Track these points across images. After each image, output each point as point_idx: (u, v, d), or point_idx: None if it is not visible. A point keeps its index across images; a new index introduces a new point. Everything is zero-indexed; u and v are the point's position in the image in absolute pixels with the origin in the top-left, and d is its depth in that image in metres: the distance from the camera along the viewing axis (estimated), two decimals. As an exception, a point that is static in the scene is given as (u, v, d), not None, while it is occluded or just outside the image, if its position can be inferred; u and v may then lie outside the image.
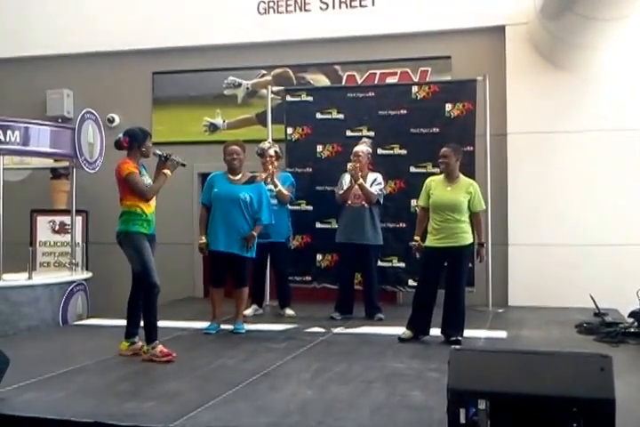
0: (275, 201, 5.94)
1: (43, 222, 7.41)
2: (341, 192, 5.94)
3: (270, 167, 6.01)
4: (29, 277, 6.16)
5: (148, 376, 3.98)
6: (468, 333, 4.97)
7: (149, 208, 4.50)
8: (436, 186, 4.96)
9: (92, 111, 6.96)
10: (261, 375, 3.96)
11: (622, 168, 6.64)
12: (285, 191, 6.08)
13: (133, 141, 4.47)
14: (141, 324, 4.49)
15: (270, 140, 6.65)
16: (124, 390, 3.64)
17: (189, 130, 7.83)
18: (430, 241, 4.92)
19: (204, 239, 5.30)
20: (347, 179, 5.99)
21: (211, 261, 5.43)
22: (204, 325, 5.42)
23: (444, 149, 4.98)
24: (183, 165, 4.66)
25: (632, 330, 4.99)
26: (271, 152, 6.11)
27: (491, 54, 7.09)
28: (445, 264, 4.91)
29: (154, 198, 4.53)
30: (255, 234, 5.30)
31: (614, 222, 6.49)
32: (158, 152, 4.57)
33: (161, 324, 5.67)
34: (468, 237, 4.90)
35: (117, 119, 8.03)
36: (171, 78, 7.94)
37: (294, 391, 3.61)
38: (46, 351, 4.78)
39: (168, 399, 3.46)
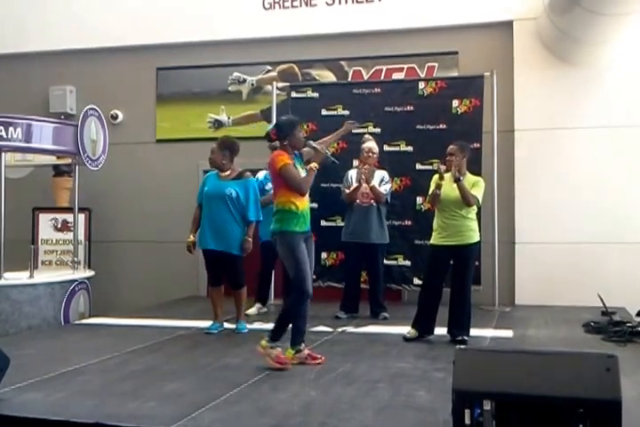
0: None
1: (45, 220, 7.36)
2: (348, 191, 5.87)
3: None
4: (31, 276, 6.12)
5: (149, 376, 3.91)
6: (474, 332, 4.91)
7: (304, 204, 4.17)
8: (444, 184, 4.84)
9: (96, 108, 6.91)
10: (264, 376, 3.90)
11: (631, 165, 6.56)
12: None
13: (280, 132, 4.20)
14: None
15: None
16: (126, 391, 3.58)
17: (194, 126, 7.78)
18: (436, 239, 4.84)
19: (191, 238, 5.26)
20: (352, 175, 5.92)
21: (204, 260, 5.37)
22: (206, 324, 5.36)
23: (450, 146, 4.90)
24: (334, 162, 4.36)
25: (640, 329, 4.93)
26: None
27: (498, 50, 7.02)
28: (451, 262, 4.83)
29: (307, 194, 4.22)
30: (249, 238, 5.20)
31: (622, 220, 6.41)
32: (313, 144, 4.31)
33: (164, 323, 5.72)
34: (474, 236, 4.81)
35: (121, 116, 7.99)
36: (175, 74, 7.89)
37: (297, 392, 3.55)
38: (47, 351, 4.73)
39: (170, 400, 3.40)
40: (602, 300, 5.36)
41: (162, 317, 6.00)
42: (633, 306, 5.38)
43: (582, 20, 5.76)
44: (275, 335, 4.12)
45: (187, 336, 5.16)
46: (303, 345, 4.22)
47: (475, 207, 4.83)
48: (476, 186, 4.82)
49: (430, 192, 4.85)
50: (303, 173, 4.17)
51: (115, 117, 7.94)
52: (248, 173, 5.33)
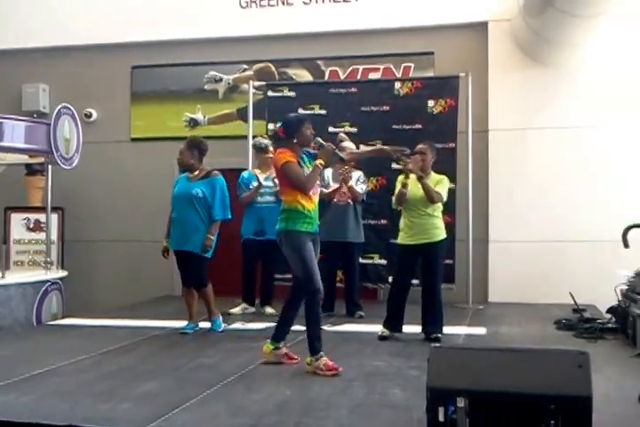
0: (272, 198, 5.91)
1: (17, 220, 7.25)
2: (328, 191, 5.88)
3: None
4: (2, 276, 6.01)
5: (123, 377, 3.87)
6: (448, 329, 4.95)
7: (311, 204, 4.03)
8: (410, 182, 4.88)
9: (69, 106, 6.82)
10: (239, 375, 3.88)
11: (602, 165, 6.66)
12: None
13: (288, 130, 4.08)
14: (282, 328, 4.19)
15: (265, 136, 6.57)
16: (100, 392, 3.54)
17: (169, 125, 7.73)
18: (403, 238, 4.89)
19: (165, 242, 5.24)
20: (328, 175, 5.93)
21: (176, 260, 5.34)
22: (181, 324, 5.33)
23: (420, 145, 4.93)
24: (341, 159, 4.23)
25: (610, 326, 5.03)
26: (272, 148, 6.06)
27: (473, 51, 7.09)
28: (420, 261, 4.88)
29: (316, 196, 4.09)
30: (211, 236, 5.13)
31: (593, 219, 6.50)
32: (320, 141, 4.12)
33: (138, 323, 5.67)
34: (440, 233, 4.87)
35: (95, 114, 7.91)
36: (150, 73, 7.83)
37: (272, 391, 3.54)
38: (19, 352, 4.66)
39: (144, 401, 3.37)
40: (573, 297, 5.44)
41: (136, 317, 5.95)
42: (603, 303, 5.47)
43: (555, 21, 5.85)
44: (316, 348, 3.95)
45: (161, 337, 5.12)
46: (282, 343, 4.19)
47: (440, 205, 4.88)
48: (440, 183, 4.88)
49: (397, 192, 4.90)
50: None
51: (88, 116, 7.85)
52: (216, 172, 5.27)
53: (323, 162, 4.02)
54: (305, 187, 3.97)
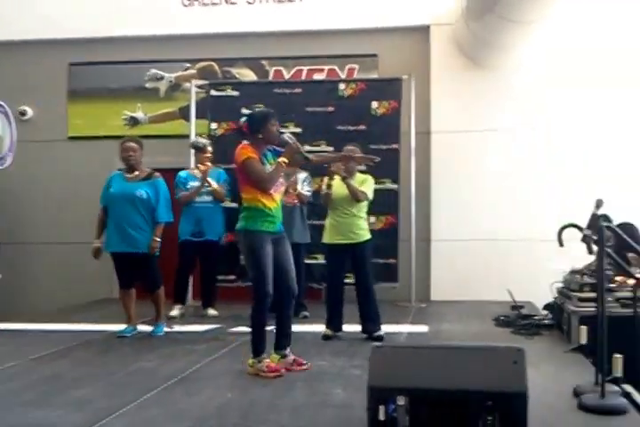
0: (210, 198, 5.86)
1: (-55, 221, 6.95)
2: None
3: (209, 164, 5.92)
4: None
5: (56, 384, 3.73)
6: (390, 328, 4.99)
7: (273, 202, 3.88)
8: (336, 183, 4.90)
9: (2, 103, 6.58)
10: (179, 379, 3.80)
11: (538, 165, 6.84)
12: (218, 188, 5.94)
13: (253, 126, 3.91)
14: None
15: (204, 135, 6.48)
16: (31, 399, 3.40)
17: (108, 124, 7.54)
18: (329, 238, 4.91)
19: (97, 243, 5.08)
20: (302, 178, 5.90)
21: (113, 263, 5.19)
22: (120, 327, 5.18)
23: (352, 147, 4.93)
24: (306, 158, 4.04)
25: (546, 322, 5.16)
26: (210, 148, 5.98)
27: (416, 53, 7.18)
28: (349, 260, 4.91)
29: (278, 194, 3.96)
30: (157, 239, 5.05)
31: (529, 218, 6.67)
32: (287, 138, 3.96)
33: (74, 327, 5.50)
34: (365, 234, 4.91)
35: (30, 112, 7.65)
36: (89, 70, 7.64)
37: (212, 395, 3.48)
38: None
39: (77, 407, 3.26)
40: (511, 295, 5.56)
41: (72, 321, 5.77)
42: (540, 300, 5.60)
43: (495, 26, 5.99)
44: (256, 350, 3.89)
45: (98, 341, 4.98)
46: (288, 350, 4.00)
47: (365, 206, 4.93)
48: (366, 183, 4.93)
49: (322, 192, 4.92)
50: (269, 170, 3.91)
51: (23, 114, 7.58)
52: (157, 174, 5.18)
53: (286, 160, 3.90)
54: (265, 184, 3.83)
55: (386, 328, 4.94)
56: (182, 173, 6.02)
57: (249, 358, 3.92)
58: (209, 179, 5.85)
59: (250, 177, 3.84)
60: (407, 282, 6.60)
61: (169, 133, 7.14)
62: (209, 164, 5.92)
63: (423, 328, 5.34)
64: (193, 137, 6.38)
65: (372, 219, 6.53)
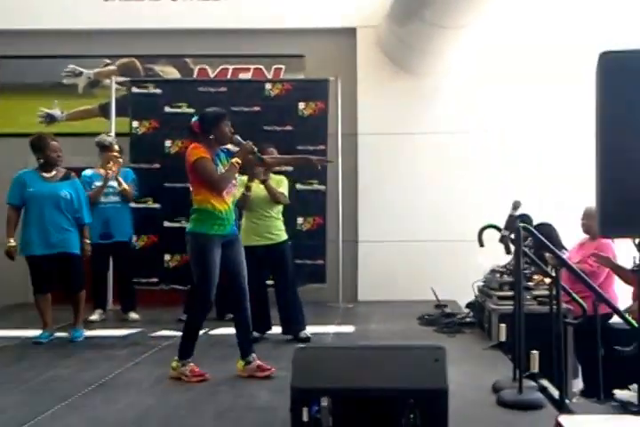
0: (117, 198, 5.71)
1: None
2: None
3: (118, 162, 5.75)
4: None
5: (-36, 394, 3.53)
6: (318, 329, 5.00)
7: (224, 204, 3.78)
8: (254, 185, 4.87)
9: None
10: (98, 386, 3.67)
11: (464, 168, 7.00)
12: (128, 188, 5.79)
13: (204, 125, 3.81)
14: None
15: (111, 133, 6.27)
16: None
17: (22, 121, 7.17)
18: (247, 240, 4.84)
19: (12, 242, 4.84)
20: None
21: (29, 267, 4.96)
22: (36, 333, 4.95)
23: (271, 149, 4.91)
24: (260, 159, 3.96)
25: (468, 320, 5.29)
26: (116, 146, 5.79)
27: (343, 55, 7.21)
28: (268, 262, 4.90)
29: (230, 197, 3.86)
30: (88, 241, 4.99)
31: (454, 220, 6.79)
32: (239, 139, 3.88)
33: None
34: (283, 235, 4.93)
35: None
36: (2, 64, 7.23)
37: (133, 401, 3.37)
38: None
39: (-13, 418, 3.09)
40: (435, 293, 5.68)
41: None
42: (463, 299, 5.74)
43: (420, 31, 6.04)
44: (183, 353, 3.79)
45: (11, 348, 4.75)
46: (254, 356, 3.91)
47: (281, 208, 4.94)
48: (282, 184, 4.96)
49: (240, 195, 4.84)
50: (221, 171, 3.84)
51: None
52: (73, 174, 5.06)
53: (240, 161, 3.82)
54: (218, 185, 3.74)
55: (313, 329, 4.95)
56: (87, 172, 5.81)
57: (173, 359, 3.82)
58: (119, 178, 5.70)
59: (201, 178, 3.75)
60: (335, 283, 6.62)
61: (88, 131, 6.88)
62: (118, 162, 5.78)
63: (350, 328, 5.37)
64: (100, 135, 6.14)
65: (300, 220, 6.55)
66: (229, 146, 4.01)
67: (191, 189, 3.89)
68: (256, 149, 3.93)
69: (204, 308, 3.83)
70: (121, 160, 5.84)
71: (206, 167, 3.72)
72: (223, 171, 3.80)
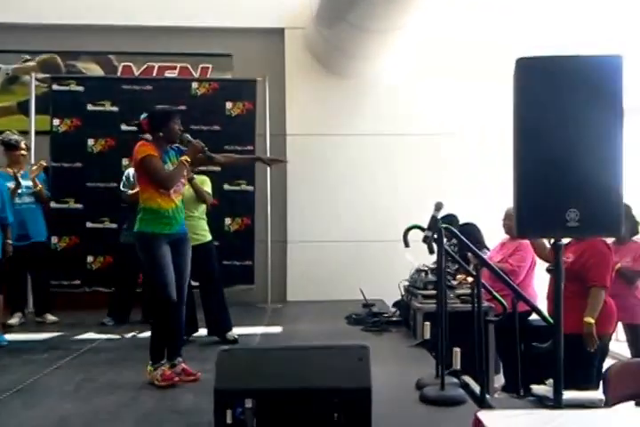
0: (32, 199, 5.54)
1: None
2: (133, 192, 5.56)
3: (43, 163, 5.65)
4: None
5: None
6: (245, 330, 4.97)
7: (171, 203, 3.73)
8: None
9: None
10: (15, 391, 3.53)
11: (393, 170, 7.10)
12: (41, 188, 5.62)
13: (153, 123, 3.74)
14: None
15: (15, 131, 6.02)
16: None
17: None
18: None
19: None
20: (133, 175, 5.64)
21: None
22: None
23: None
24: (210, 158, 3.92)
25: (394, 319, 5.38)
26: (24, 145, 5.60)
27: (272, 55, 7.18)
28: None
29: (178, 195, 3.79)
30: (10, 242, 4.85)
31: (383, 220, 6.88)
32: (189, 137, 3.85)
33: None
34: (208, 235, 4.91)
35: None
36: None
37: (53, 406, 3.27)
38: None
39: None
40: (362, 293, 5.75)
41: None
42: (391, 298, 5.83)
43: (347, 34, 6.04)
44: (154, 357, 3.72)
45: None
46: (180, 359, 3.83)
47: (205, 208, 4.92)
48: (206, 183, 4.94)
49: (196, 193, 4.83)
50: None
51: None
52: (12, 172, 4.89)
53: (189, 159, 3.77)
54: (165, 183, 3.68)
55: (241, 330, 4.92)
56: None
57: (147, 364, 3.74)
58: (36, 179, 5.53)
59: (148, 176, 3.69)
60: (264, 283, 6.62)
61: (6, 129, 6.58)
62: (43, 163, 5.65)
63: (277, 329, 5.36)
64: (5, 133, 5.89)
65: (228, 220, 6.51)
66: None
67: (139, 186, 3.85)
68: (206, 147, 3.90)
69: (166, 306, 3.71)
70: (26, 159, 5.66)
71: (153, 165, 3.67)
72: (171, 169, 3.77)
